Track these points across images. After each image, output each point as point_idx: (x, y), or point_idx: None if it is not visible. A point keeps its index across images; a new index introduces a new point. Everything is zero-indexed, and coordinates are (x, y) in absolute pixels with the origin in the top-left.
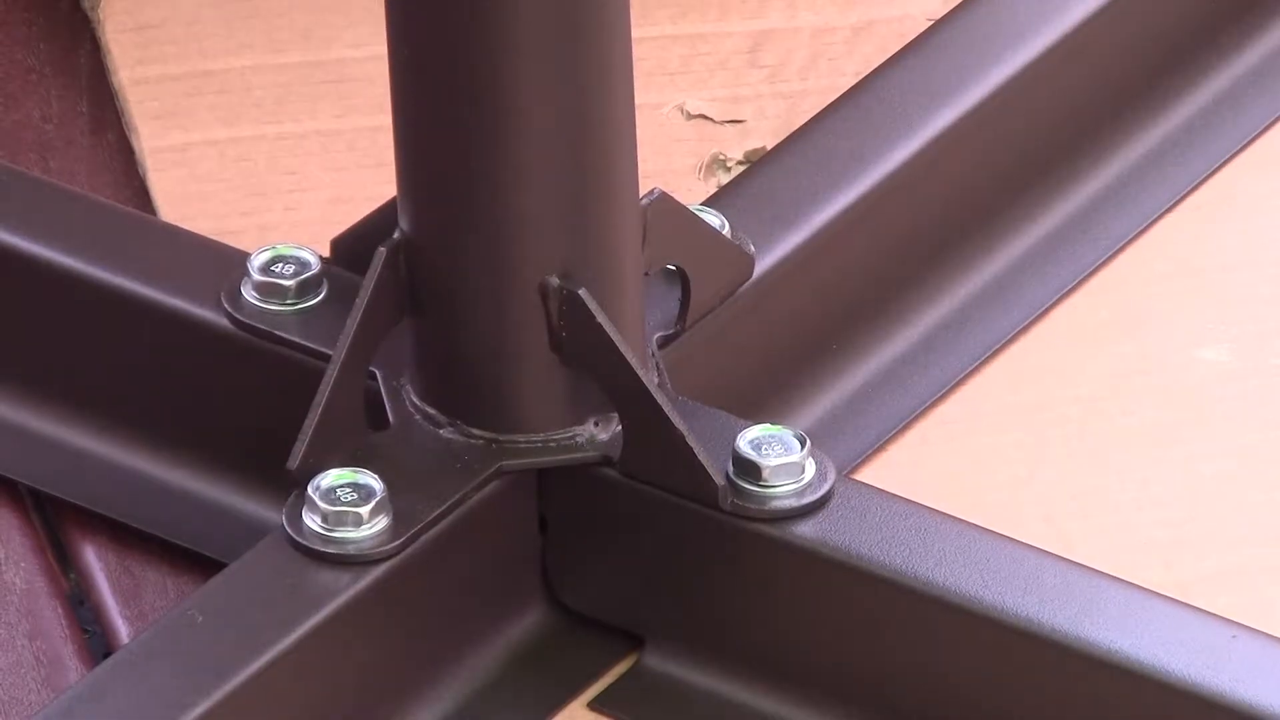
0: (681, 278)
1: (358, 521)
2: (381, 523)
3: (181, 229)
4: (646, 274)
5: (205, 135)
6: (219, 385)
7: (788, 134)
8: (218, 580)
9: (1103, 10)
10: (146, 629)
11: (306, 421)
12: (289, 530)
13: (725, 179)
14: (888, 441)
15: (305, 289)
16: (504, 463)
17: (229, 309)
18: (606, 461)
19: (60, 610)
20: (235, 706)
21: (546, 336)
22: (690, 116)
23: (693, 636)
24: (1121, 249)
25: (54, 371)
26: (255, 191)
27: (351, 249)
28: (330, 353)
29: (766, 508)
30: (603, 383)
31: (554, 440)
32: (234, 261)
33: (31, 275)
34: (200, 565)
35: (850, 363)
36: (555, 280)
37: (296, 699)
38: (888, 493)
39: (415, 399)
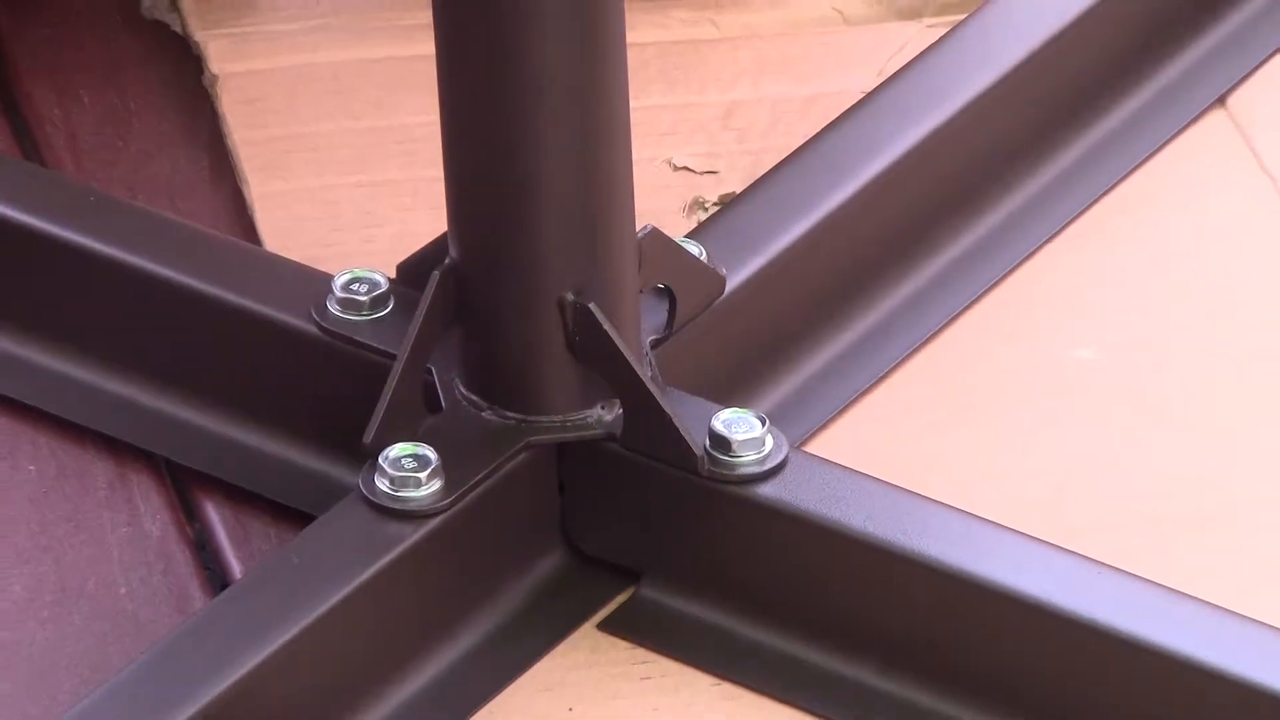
0: (669, 294)
1: (418, 484)
2: (436, 485)
3: (280, 257)
4: (641, 291)
5: (300, 184)
6: (310, 378)
7: (752, 181)
8: (310, 530)
9: (992, 87)
10: (254, 568)
11: (378, 406)
12: (364, 491)
13: (703, 217)
14: (830, 421)
15: (377, 303)
16: (531, 438)
17: (317, 319)
18: (611, 437)
19: (187, 553)
20: (323, 629)
21: (563, 340)
22: (676, 168)
23: (678, 573)
24: (1012, 271)
25: (182, 368)
26: (338, 228)
27: (413, 272)
28: (396, 353)
29: (735, 473)
30: (608, 376)
31: (570, 421)
32: (321, 282)
33: (163, 294)
34: (296, 518)
35: (801, 359)
36: (570, 296)
37: (370, 623)
38: (830, 462)
39: (462, 389)
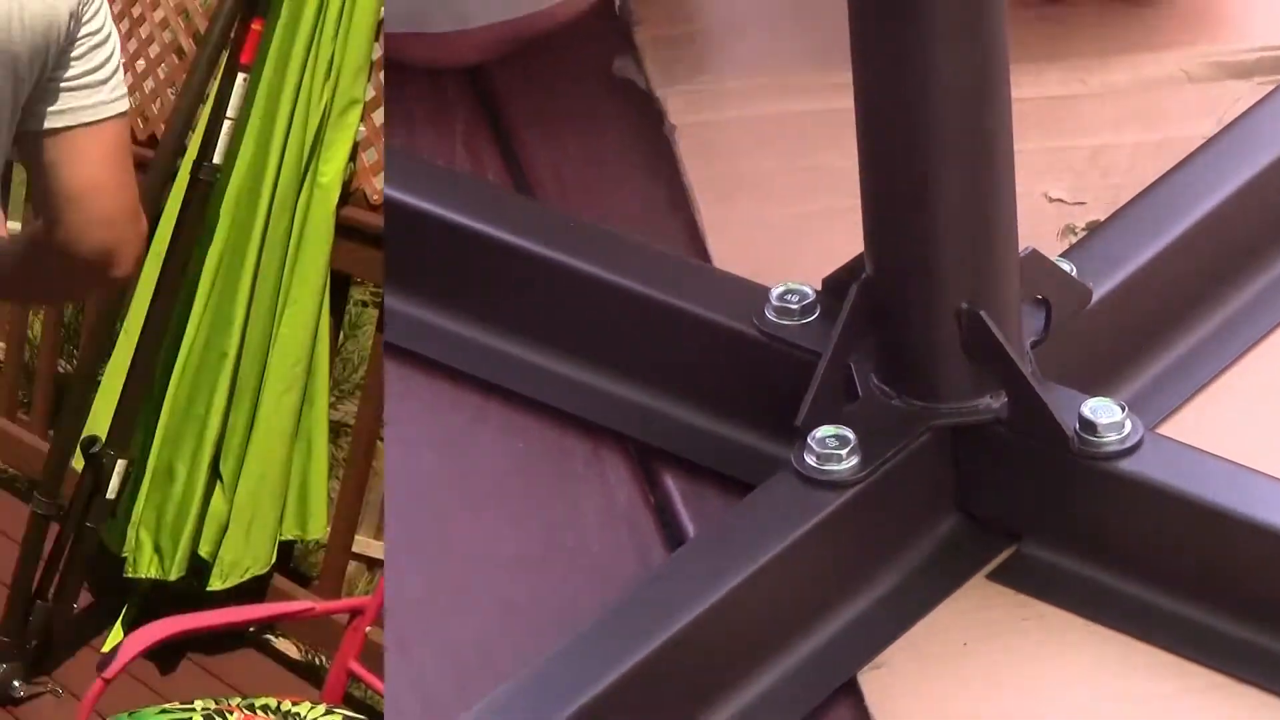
0: (1045, 304)
1: (839, 460)
2: (855, 460)
3: (727, 272)
4: (1023, 301)
5: (743, 213)
6: (750, 372)
7: (1114, 211)
8: (750, 497)
9: None
10: (704, 528)
11: (806, 395)
12: (795, 465)
13: (1074, 240)
14: (1179, 408)
15: (806, 311)
16: (933, 422)
17: (756, 324)
18: (998, 422)
19: (650, 516)
20: (762, 579)
21: (959, 342)
22: (1051, 200)
23: (1053, 534)
24: None
25: (645, 363)
26: (774, 248)
27: (835, 285)
28: (821, 351)
29: (1101, 451)
30: (996, 372)
31: (964, 408)
32: (760, 293)
33: (631, 303)
34: (739, 487)
35: (1155, 356)
36: (965, 305)
37: (799, 574)
38: (1180, 442)
39: (875, 380)
